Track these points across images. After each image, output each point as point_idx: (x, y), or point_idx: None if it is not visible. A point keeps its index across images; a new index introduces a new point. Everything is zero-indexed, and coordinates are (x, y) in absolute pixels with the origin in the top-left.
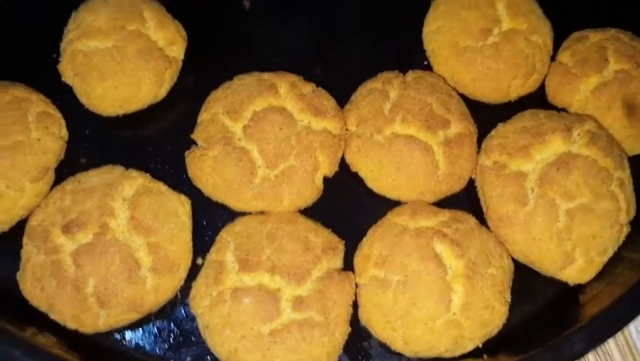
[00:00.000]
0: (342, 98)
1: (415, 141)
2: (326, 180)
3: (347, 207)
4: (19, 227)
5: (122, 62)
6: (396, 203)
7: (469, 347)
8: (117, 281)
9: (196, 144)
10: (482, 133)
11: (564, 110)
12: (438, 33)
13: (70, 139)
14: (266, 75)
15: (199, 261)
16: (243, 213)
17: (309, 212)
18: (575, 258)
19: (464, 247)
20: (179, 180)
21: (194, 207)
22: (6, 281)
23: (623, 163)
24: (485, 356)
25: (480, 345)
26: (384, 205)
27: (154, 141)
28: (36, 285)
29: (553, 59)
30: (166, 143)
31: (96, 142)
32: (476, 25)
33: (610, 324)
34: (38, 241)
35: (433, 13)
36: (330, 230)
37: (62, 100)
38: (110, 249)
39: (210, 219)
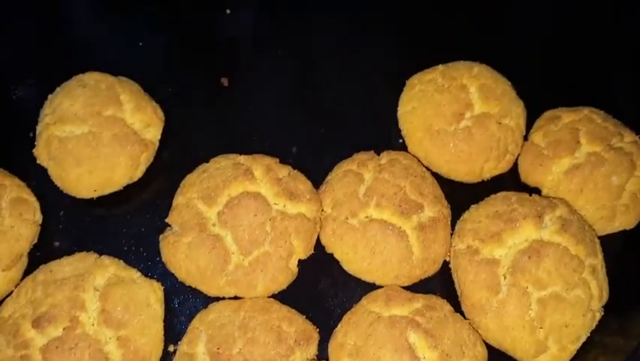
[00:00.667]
0: (319, 177)
1: (389, 226)
2: (301, 261)
3: (322, 289)
4: None
5: (97, 147)
6: (371, 285)
7: None
8: None
9: (170, 227)
10: (456, 212)
11: (537, 190)
12: (412, 114)
13: (44, 221)
14: (242, 158)
15: (171, 348)
16: (217, 298)
17: (284, 294)
18: (547, 346)
19: (438, 337)
20: (152, 263)
21: (168, 292)
22: None
23: (595, 248)
24: None
25: None
26: (359, 287)
27: (129, 222)
28: None
29: (525, 138)
30: (140, 224)
31: (70, 224)
32: (449, 108)
33: None
34: (8, 335)
35: (407, 93)
36: (304, 317)
37: (37, 180)
38: (80, 344)
39: (183, 303)
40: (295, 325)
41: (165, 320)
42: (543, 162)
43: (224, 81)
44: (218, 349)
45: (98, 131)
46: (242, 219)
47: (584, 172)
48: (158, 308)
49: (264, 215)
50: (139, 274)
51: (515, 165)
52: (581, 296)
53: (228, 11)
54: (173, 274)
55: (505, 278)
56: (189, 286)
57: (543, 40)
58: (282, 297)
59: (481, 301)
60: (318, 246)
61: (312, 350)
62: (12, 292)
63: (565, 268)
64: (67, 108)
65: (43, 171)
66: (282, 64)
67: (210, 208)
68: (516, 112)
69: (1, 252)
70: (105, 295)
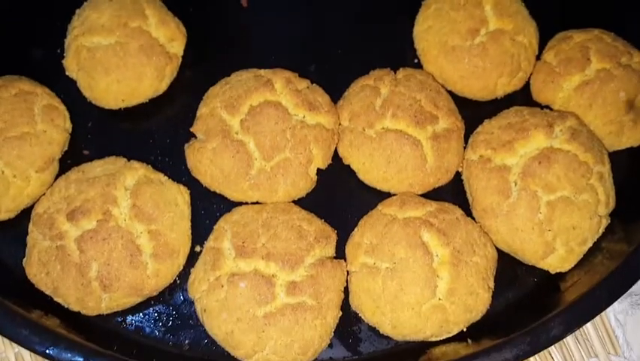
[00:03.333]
0: (336, 94)
1: (404, 135)
2: (319, 172)
3: (339, 199)
4: (24, 215)
5: (124, 57)
6: (386, 194)
7: (454, 331)
8: (119, 266)
9: (195, 137)
10: (469, 128)
11: (548, 107)
12: (428, 32)
13: (73, 131)
14: (262, 71)
15: (197, 248)
16: (240, 203)
17: (303, 203)
18: (555, 248)
19: (450, 236)
20: (178, 172)
21: (193, 197)
22: (13, 267)
23: (603, 158)
24: (469, 340)
25: (464, 329)
26: (374, 197)
27: (154, 134)
28: (41, 270)
29: (538, 58)
30: (166, 135)
31: (98, 134)
32: (464, 25)
33: (587, 310)
34: (44, 228)
35: (423, 13)
36: (323, 220)
37: (65, 93)
38: (113, 235)
39: (208, 209)
40: (314, 225)
41: (191, 223)
42: (554, 79)
43: (244, 2)
44: (243, 243)
45: (125, 42)
46: (263, 126)
47: (593, 88)
48: (185, 209)
49: (285, 123)
50: (166, 177)
51: (527, 85)
52: (589, 201)
53: None
54: (197, 183)
55: (515, 184)
56: (213, 193)
57: None
58: (302, 205)
59: (492, 205)
60: (336, 158)
61: (330, 249)
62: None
63: (573, 174)
64: (95, 20)
65: (71, 85)
66: None
67: (233, 117)
68: (529, 30)
69: (34, 154)
70: (136, 192)
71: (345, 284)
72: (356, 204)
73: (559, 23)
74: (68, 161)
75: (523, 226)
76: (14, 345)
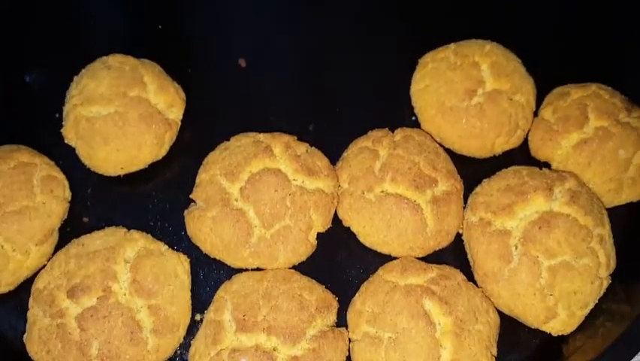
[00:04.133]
0: (335, 153)
1: (404, 200)
2: (319, 234)
3: (340, 261)
4: (24, 285)
5: (124, 126)
6: (387, 257)
7: None
8: (120, 343)
9: (194, 203)
10: (468, 187)
11: (546, 164)
12: (425, 92)
13: (72, 198)
14: (261, 136)
15: (197, 317)
16: (241, 270)
17: (304, 266)
18: (557, 312)
19: (452, 304)
20: (178, 238)
21: (193, 264)
22: (13, 340)
23: (603, 219)
24: None
25: None
26: (375, 259)
27: (154, 198)
28: (42, 347)
29: (535, 114)
30: (165, 201)
31: (98, 200)
32: (461, 85)
33: None
34: (44, 305)
35: (420, 71)
36: (324, 286)
37: (64, 159)
38: (113, 312)
39: (208, 275)
40: (316, 293)
41: (191, 291)
42: (553, 137)
43: (242, 62)
44: (244, 316)
45: (124, 111)
46: (263, 194)
47: (592, 146)
48: (185, 279)
49: (284, 190)
50: (166, 247)
51: (526, 141)
52: (589, 265)
53: None
54: (197, 248)
55: (516, 248)
56: (213, 259)
57: (552, 19)
58: (302, 269)
59: (494, 270)
60: (336, 220)
61: (332, 317)
62: (45, 265)
63: (574, 238)
64: (94, 89)
65: (69, 151)
66: (297, 45)
67: (233, 184)
68: (526, 88)
69: (34, 227)
70: (136, 266)
71: (348, 353)
72: (357, 266)
73: (556, 77)
74: (68, 229)
75: (525, 292)
76: None
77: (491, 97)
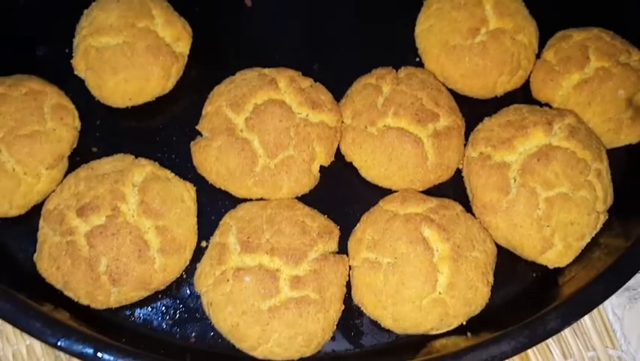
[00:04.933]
0: (338, 93)
1: (405, 133)
2: (322, 169)
3: (342, 195)
4: (34, 211)
5: (132, 57)
6: (387, 191)
7: (454, 325)
8: (128, 261)
9: (200, 135)
10: (469, 126)
11: (547, 105)
12: (429, 32)
13: (82, 129)
14: (266, 70)
15: (203, 244)
16: (245, 200)
17: (307, 199)
18: (553, 243)
19: (450, 231)
20: (184, 169)
21: (199, 194)
22: (23, 261)
23: (601, 155)
24: (469, 334)
25: (464, 323)
26: (376, 193)
27: (161, 132)
28: (52, 264)
29: (538, 56)
30: (172, 133)
31: (106, 132)
32: (465, 24)
33: (584, 303)
34: (54, 224)
35: (424, 12)
36: (326, 216)
37: (74, 92)
38: (122, 230)
39: (214, 205)
40: (318, 221)
41: (197, 219)
42: (554, 78)
43: (248, 1)
44: (248, 238)
45: (133, 42)
46: (267, 124)
47: (592, 86)
48: (191, 205)
49: (288, 121)
50: (173, 174)
51: (527, 83)
52: (587, 197)
53: None
54: (203, 181)
55: (514, 180)
56: (219, 191)
57: None
58: (305, 201)
59: (492, 201)
60: (338, 156)
61: (333, 244)
62: (54, 190)
63: (572, 171)
64: (103, 20)
65: (79, 83)
66: None
67: (238, 115)
68: (529, 30)
69: (44, 151)
70: (143, 188)
71: (348, 279)
72: (358, 200)
73: (558, 22)
74: (77, 158)
75: (522, 222)
76: (25, 337)
77: (494, 35)
